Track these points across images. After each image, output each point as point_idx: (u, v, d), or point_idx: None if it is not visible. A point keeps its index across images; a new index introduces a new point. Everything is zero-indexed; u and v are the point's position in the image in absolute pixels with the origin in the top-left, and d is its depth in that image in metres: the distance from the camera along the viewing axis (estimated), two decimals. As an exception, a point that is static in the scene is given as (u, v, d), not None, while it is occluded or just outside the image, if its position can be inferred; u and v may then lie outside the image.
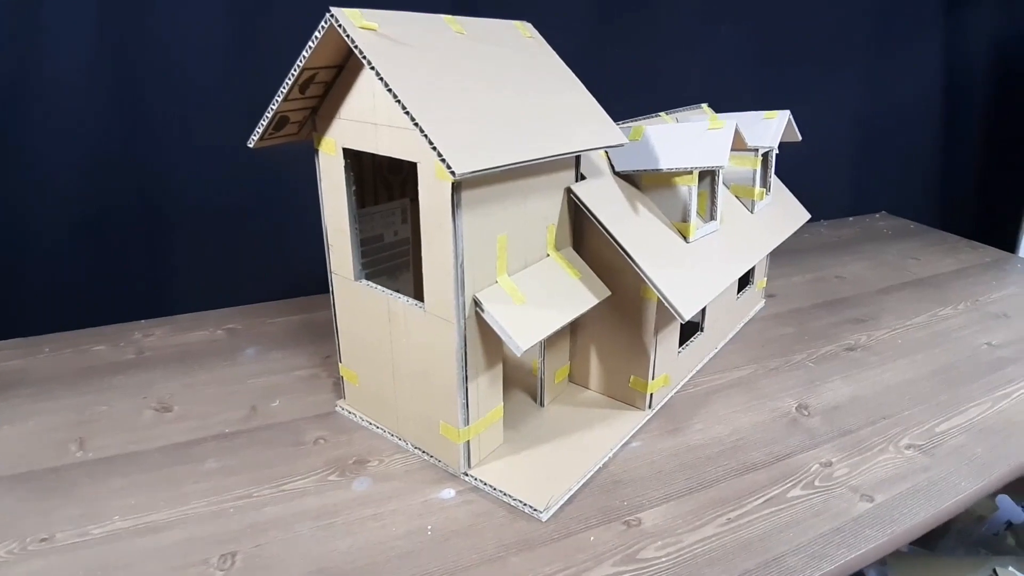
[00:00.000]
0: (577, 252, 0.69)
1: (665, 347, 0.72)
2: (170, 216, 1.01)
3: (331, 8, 0.50)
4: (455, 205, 0.52)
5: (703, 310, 0.81)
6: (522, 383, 0.77)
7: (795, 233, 0.93)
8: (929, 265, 1.19)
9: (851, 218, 1.47)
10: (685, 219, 0.71)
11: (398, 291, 0.62)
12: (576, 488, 0.61)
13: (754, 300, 0.99)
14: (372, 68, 0.48)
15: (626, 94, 1.19)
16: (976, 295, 1.06)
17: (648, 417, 0.72)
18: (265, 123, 0.59)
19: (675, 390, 0.78)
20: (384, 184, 0.74)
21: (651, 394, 0.72)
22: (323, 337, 0.90)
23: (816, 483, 0.62)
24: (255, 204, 1.05)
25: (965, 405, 0.75)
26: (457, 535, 0.56)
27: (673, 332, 0.73)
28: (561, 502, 0.59)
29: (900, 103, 1.49)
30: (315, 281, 0.68)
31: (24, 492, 0.61)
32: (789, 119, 0.84)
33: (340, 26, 0.49)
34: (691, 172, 0.69)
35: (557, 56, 0.68)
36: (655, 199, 0.73)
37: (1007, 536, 0.97)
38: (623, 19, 1.19)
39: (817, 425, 0.72)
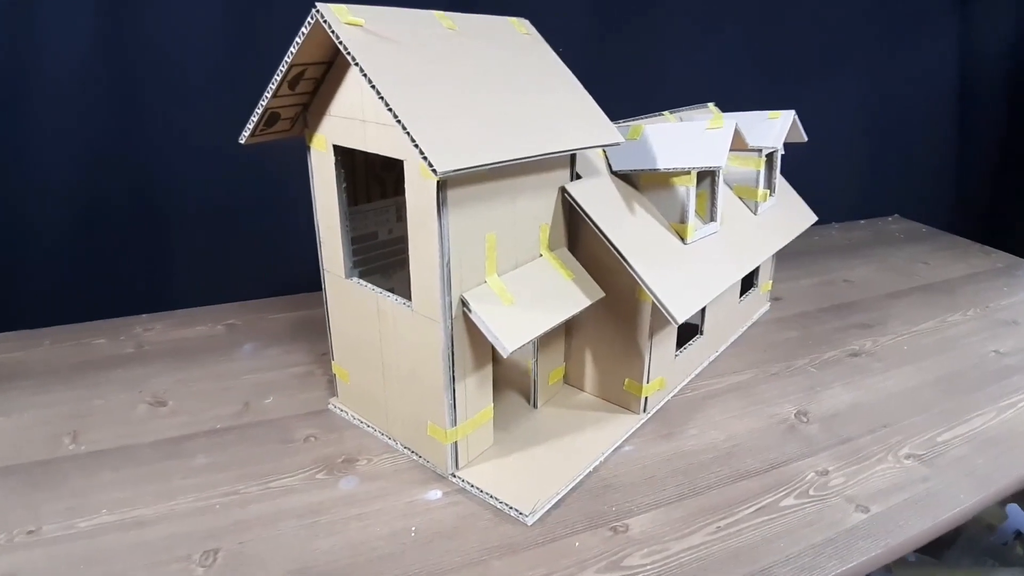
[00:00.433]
0: (572, 253, 0.68)
1: (661, 350, 0.71)
2: (172, 212, 1.02)
3: (316, 4, 0.49)
4: (440, 203, 0.51)
5: (702, 313, 0.79)
6: (517, 384, 0.76)
7: (804, 235, 0.91)
8: (939, 270, 1.16)
9: (862, 221, 1.44)
10: (683, 220, 0.70)
11: (392, 290, 0.61)
12: (564, 492, 0.60)
13: (758, 303, 0.98)
14: (356, 64, 0.48)
15: (630, 93, 1.17)
16: (986, 301, 1.03)
17: (642, 421, 0.71)
18: (255, 119, 0.58)
19: (672, 394, 0.76)
20: (378, 181, 0.73)
21: (646, 398, 0.71)
22: (321, 334, 0.89)
23: (811, 492, 0.61)
24: (257, 200, 1.05)
25: (969, 414, 0.73)
26: (441, 537, 0.55)
27: (670, 335, 0.72)
28: (548, 506, 0.58)
29: (913, 104, 1.46)
30: (316, 278, 0.68)
31: (15, 484, 0.61)
32: (794, 119, 0.82)
33: (325, 22, 0.49)
34: (689, 172, 0.67)
35: (554, 54, 0.67)
36: (653, 199, 0.71)
37: (1016, 546, 0.94)
38: (627, 18, 1.17)
39: (815, 432, 0.70)
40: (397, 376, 0.63)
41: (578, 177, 0.67)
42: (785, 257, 1.21)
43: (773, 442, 0.68)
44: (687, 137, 0.69)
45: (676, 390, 0.77)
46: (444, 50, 0.56)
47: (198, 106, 0.97)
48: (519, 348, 0.55)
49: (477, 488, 0.60)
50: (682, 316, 0.62)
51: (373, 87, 0.47)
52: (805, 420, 0.72)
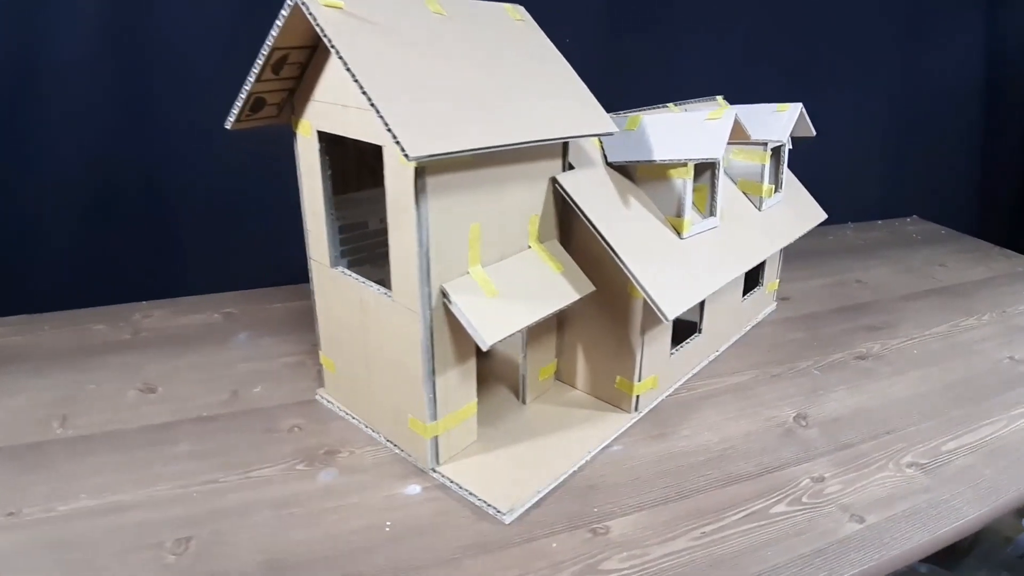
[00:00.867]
0: (564, 245, 0.66)
1: (654, 348, 0.69)
2: (176, 201, 1.02)
3: (295, -16, 0.48)
4: (419, 191, 0.50)
5: (701, 311, 0.77)
6: (506, 379, 0.75)
7: (817, 235, 0.88)
8: (957, 273, 1.11)
9: (880, 221, 1.40)
10: (679, 214, 0.68)
11: (381, 281, 0.60)
12: (545, 491, 0.58)
13: (763, 302, 0.95)
14: (332, 46, 0.46)
15: (643, 87, 1.15)
16: (1003, 306, 0.98)
17: (634, 420, 0.69)
18: (240, 104, 0.58)
19: (666, 393, 0.74)
20: (369, 169, 0.72)
21: (637, 396, 0.69)
22: (315, 324, 0.89)
23: (804, 499, 0.58)
24: (261, 190, 1.05)
25: (978, 423, 0.69)
26: (415, 533, 0.54)
27: (664, 333, 0.70)
28: (527, 505, 0.57)
29: (935, 101, 1.40)
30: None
31: (2, 466, 0.62)
32: (801, 112, 0.79)
33: (303, 4, 0.48)
34: (686, 164, 0.65)
35: (548, 41, 0.66)
36: (649, 192, 0.69)
37: (1032, 561, 0.91)
38: (640, 10, 1.15)
39: (814, 437, 0.68)
40: (379, 367, 0.62)
41: (571, 167, 0.65)
42: (796, 256, 1.18)
43: (768, 446, 0.66)
44: (685, 128, 0.66)
45: (671, 390, 0.75)
46: (429, 35, 0.55)
47: (204, 96, 0.97)
48: (499, 342, 0.54)
49: (456, 484, 0.58)
50: (672, 313, 0.60)
51: (348, 69, 0.46)
52: (804, 424, 0.70)
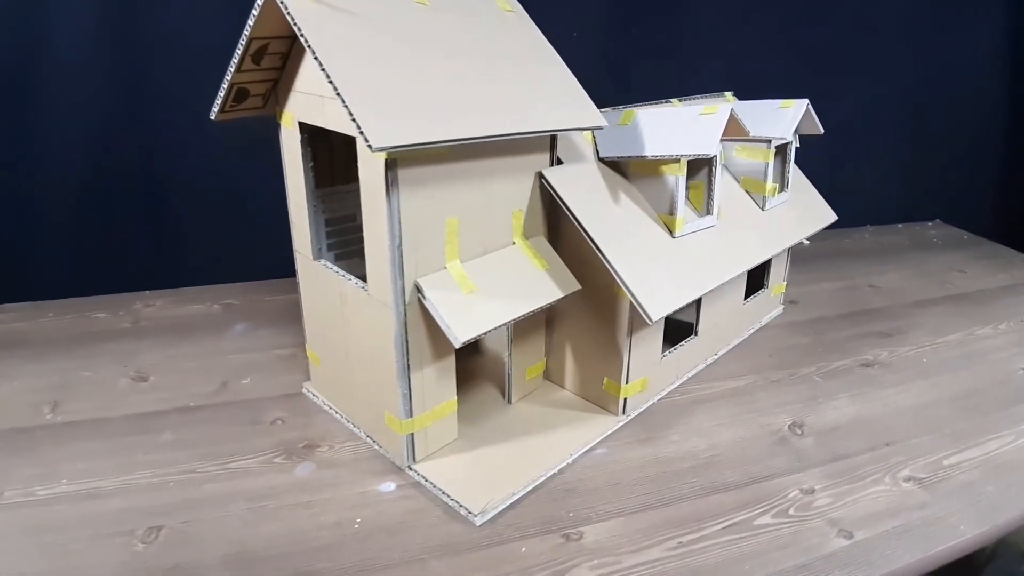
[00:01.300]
0: (553, 242, 0.65)
1: (644, 349, 0.67)
2: (180, 191, 1.03)
3: (268, -28, 0.48)
4: (390, 183, 0.49)
5: (697, 312, 0.75)
6: (496, 377, 0.73)
7: (833, 237, 0.85)
8: (976, 279, 1.06)
9: (900, 225, 1.34)
10: (671, 212, 0.65)
11: (365, 275, 0.59)
12: (521, 493, 0.57)
13: (769, 305, 0.92)
14: (301, 35, 0.46)
15: (653, 82, 1.13)
16: (1023, 315, 0.94)
17: (621, 423, 0.67)
18: (222, 95, 0.58)
19: (658, 396, 0.72)
20: (357, 162, 0.72)
21: (625, 399, 0.67)
22: (310, 317, 0.89)
23: (791, 512, 0.56)
24: (265, 180, 1.05)
25: (984, 437, 0.66)
26: (384, 531, 0.53)
27: (654, 334, 0.68)
28: (501, 507, 0.55)
29: (961, 101, 1.34)
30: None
31: (-10, 449, 0.63)
32: (807, 109, 0.76)
33: (276, -9, 0.47)
34: (678, 160, 0.63)
35: (539, 33, 0.64)
36: (642, 189, 0.67)
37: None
38: (651, 3, 1.12)
39: (808, 447, 0.65)
40: (359, 362, 0.61)
41: (559, 162, 0.63)
42: (807, 259, 1.14)
43: (759, 454, 0.63)
44: (679, 123, 0.64)
45: (664, 393, 0.73)
46: (410, 25, 0.54)
47: (208, 85, 0.98)
48: (473, 339, 0.52)
49: (431, 483, 0.57)
50: (657, 314, 0.58)
51: (316, 58, 0.45)
52: (799, 432, 0.67)
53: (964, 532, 0.54)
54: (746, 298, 0.85)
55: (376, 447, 0.63)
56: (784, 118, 0.75)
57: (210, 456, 0.62)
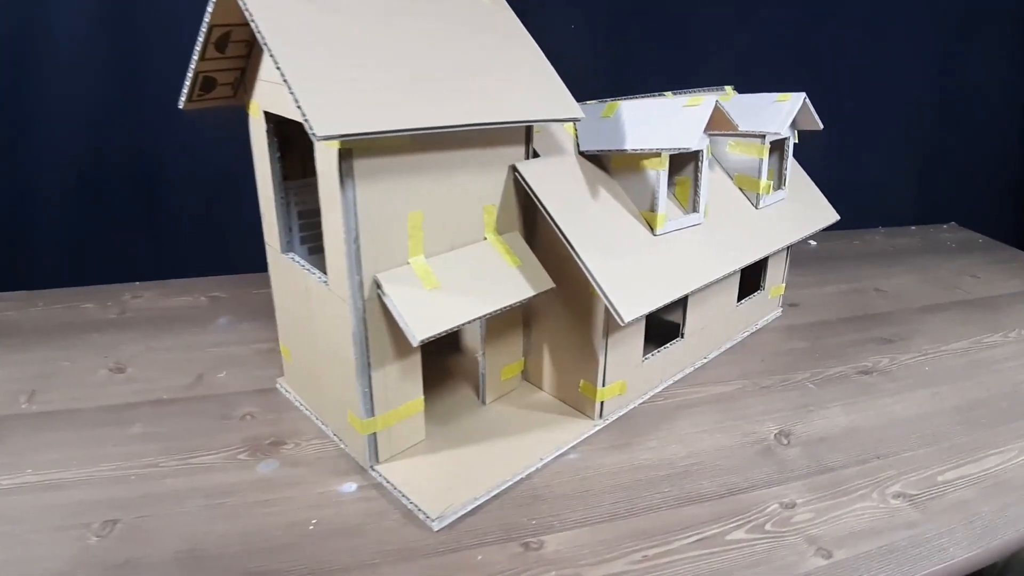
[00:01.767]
0: (529, 238, 0.63)
1: (622, 351, 0.64)
2: (174, 183, 1.03)
3: (219, -46, 0.46)
4: (344, 174, 0.47)
5: (684, 314, 0.72)
6: (473, 377, 0.71)
7: (842, 238, 0.81)
8: (989, 285, 1.01)
9: (914, 227, 1.29)
10: (653, 208, 0.63)
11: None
12: (484, 498, 0.55)
13: (766, 308, 0.88)
14: (251, 19, 0.44)
15: (657, 76, 1.09)
16: (1037, 323, 0.89)
17: (597, 428, 0.65)
18: (188, 84, 0.56)
19: (640, 400, 0.69)
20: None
21: (601, 402, 0.64)
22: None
23: (767, 527, 0.53)
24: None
25: (984, 452, 0.62)
26: (339, 534, 0.52)
27: (634, 335, 0.65)
28: (461, 512, 0.53)
29: (980, 99, 1.27)
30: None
31: (-41, 437, 0.63)
32: (804, 103, 0.72)
33: (227, -27, 0.46)
34: (660, 154, 0.60)
35: (517, 21, 0.61)
36: (623, 184, 0.65)
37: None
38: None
39: (794, 457, 0.62)
40: (324, 358, 0.59)
41: (536, 155, 0.61)
42: (813, 260, 1.10)
43: (740, 464, 0.61)
44: (661, 116, 0.61)
45: (646, 397, 0.70)
46: (376, 10, 0.52)
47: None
48: (431, 338, 0.50)
49: (392, 485, 0.56)
50: (630, 315, 0.56)
51: (264, 43, 0.43)
52: (786, 442, 0.64)
53: (953, 555, 0.50)
54: (740, 300, 0.81)
55: (343, 446, 0.61)
56: (780, 112, 0.72)
57: (175, 450, 0.61)
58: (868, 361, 0.79)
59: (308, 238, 0.66)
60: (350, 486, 0.57)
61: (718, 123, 0.63)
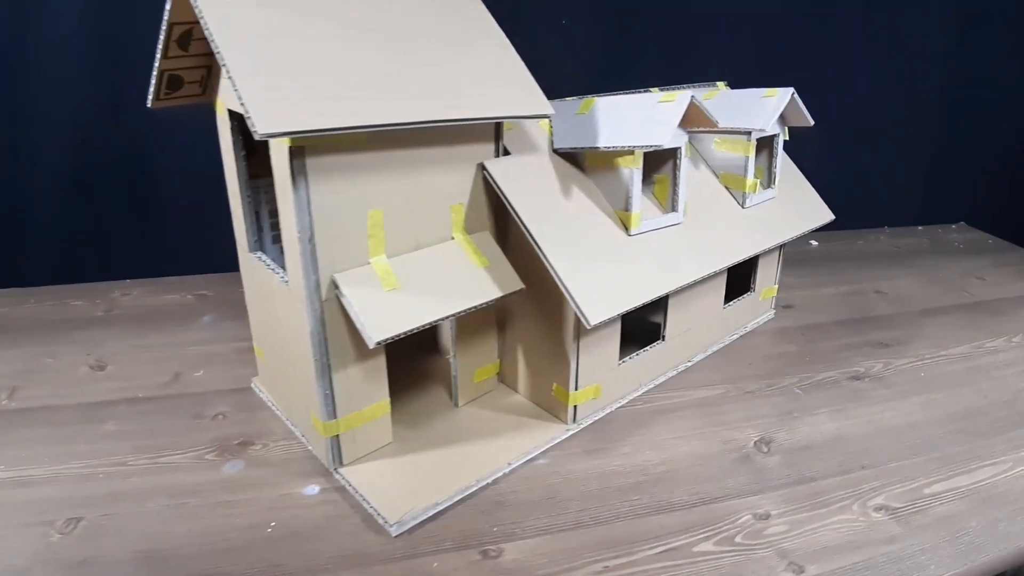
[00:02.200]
0: (501, 238, 0.61)
1: (596, 354, 0.62)
2: (166, 181, 1.03)
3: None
4: (296, 172, 0.46)
5: (664, 316, 0.70)
6: (449, 380, 0.70)
7: (845, 239, 0.79)
8: (995, 287, 0.97)
9: (921, 227, 1.25)
10: (627, 208, 0.61)
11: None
12: (446, 504, 0.54)
13: (756, 310, 0.85)
14: (201, 16, 0.43)
15: (656, 71, 1.07)
16: (1043, 327, 0.85)
17: (570, 432, 0.63)
18: (153, 82, 0.56)
19: (617, 404, 0.68)
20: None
21: (574, 406, 0.63)
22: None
23: (738, 539, 0.51)
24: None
25: (976, 463, 0.59)
26: (296, 537, 0.51)
27: (609, 337, 0.63)
28: (421, 517, 0.52)
29: (991, 95, 1.22)
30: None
31: (-64, 433, 0.63)
32: (793, 98, 0.70)
33: (177, -32, 0.45)
34: (632, 152, 0.58)
35: (487, 14, 0.60)
36: (598, 183, 0.63)
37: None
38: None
39: (773, 466, 0.59)
40: (290, 359, 0.59)
41: (506, 153, 0.60)
42: (812, 260, 1.07)
43: (715, 472, 0.58)
44: (636, 112, 0.60)
45: (624, 401, 0.68)
46: (336, 6, 0.51)
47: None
48: (389, 339, 0.49)
49: (354, 488, 0.55)
50: (596, 318, 0.54)
51: (211, 39, 0.43)
52: (766, 450, 0.62)
53: (934, 573, 0.48)
54: (728, 302, 0.79)
55: (310, 448, 0.61)
56: (766, 108, 0.69)
57: (144, 449, 0.61)
58: (861, 366, 0.76)
59: (279, 237, 0.66)
60: (313, 488, 0.56)
61: (696, 119, 0.61)
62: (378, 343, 0.49)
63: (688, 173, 0.72)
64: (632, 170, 0.59)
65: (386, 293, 0.52)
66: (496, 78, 0.56)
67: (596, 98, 0.64)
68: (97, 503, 0.54)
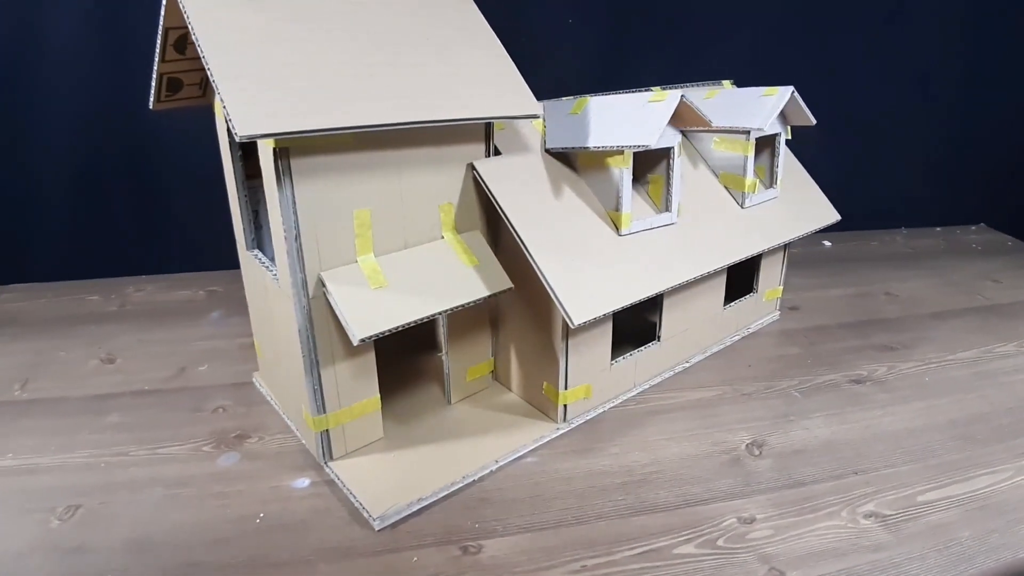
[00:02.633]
0: (493, 237, 0.62)
1: (586, 354, 0.62)
2: (182, 177, 1.05)
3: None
4: (281, 172, 0.47)
5: (659, 315, 0.69)
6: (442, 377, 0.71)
7: (859, 239, 0.77)
8: (1011, 291, 0.94)
9: (939, 228, 1.21)
10: (617, 208, 0.61)
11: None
12: (431, 500, 0.54)
13: (759, 311, 0.84)
14: (187, 20, 0.44)
15: (660, 69, 1.06)
16: (1057, 332, 0.82)
17: (561, 431, 0.63)
18: (154, 85, 0.58)
19: (610, 404, 0.68)
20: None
21: (564, 405, 0.63)
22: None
23: (720, 542, 0.51)
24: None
25: (974, 471, 0.57)
26: (283, 529, 0.52)
27: (600, 337, 0.63)
28: (405, 512, 0.53)
29: (1013, 92, 1.18)
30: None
31: (-46, 422, 0.66)
32: (793, 97, 0.69)
33: (168, -26, 0.46)
34: (622, 152, 0.58)
35: (478, 14, 0.60)
36: (590, 183, 0.63)
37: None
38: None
39: (763, 469, 0.59)
40: (283, 355, 0.60)
41: (497, 153, 0.60)
42: (824, 261, 1.05)
43: (703, 474, 0.58)
44: (626, 112, 0.59)
45: (618, 401, 0.68)
46: (323, 9, 0.52)
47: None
48: (373, 337, 0.50)
49: (342, 482, 0.56)
50: (580, 318, 0.54)
51: (197, 42, 0.44)
52: (757, 453, 0.61)
53: (919, 582, 0.47)
54: (729, 302, 0.78)
55: (304, 442, 0.62)
56: (764, 107, 0.68)
57: (144, 440, 0.63)
58: (863, 369, 0.74)
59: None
60: (303, 482, 0.57)
61: (689, 119, 0.60)
62: (362, 340, 0.50)
63: (686, 173, 0.71)
64: (622, 170, 0.59)
65: (372, 291, 0.52)
66: (484, 79, 0.56)
67: (589, 98, 0.64)
68: (96, 491, 0.56)
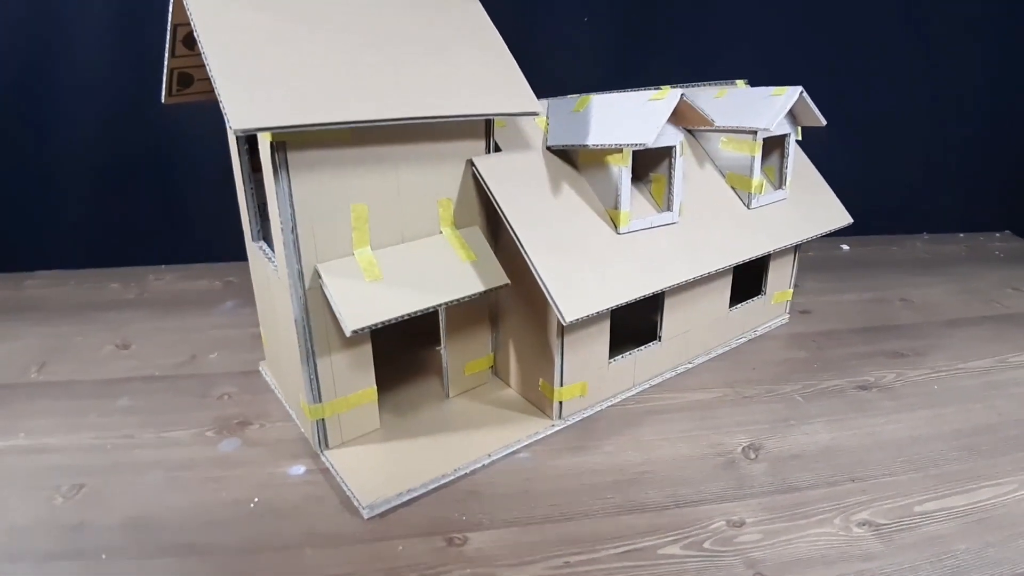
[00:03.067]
0: (494, 234, 0.62)
1: (582, 352, 0.62)
2: (198, 169, 1.07)
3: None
4: (278, 165, 0.48)
5: (660, 315, 0.69)
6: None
7: (879, 243, 0.76)
8: (1031, 298, 0.91)
9: (962, 234, 1.17)
10: (616, 206, 0.60)
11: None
12: (422, 491, 0.55)
13: (767, 314, 0.83)
14: (190, 16, 0.46)
15: (668, 65, 1.05)
16: (1076, 343, 0.79)
17: (556, 428, 0.63)
18: (165, 80, 0.59)
19: (608, 403, 0.67)
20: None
21: (560, 403, 0.63)
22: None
23: (706, 545, 0.50)
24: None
25: (976, 483, 0.56)
26: (275, 515, 0.53)
27: (597, 335, 0.63)
28: (394, 502, 0.54)
29: None
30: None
31: (-30, 401, 0.69)
32: (802, 96, 0.67)
33: (173, -28, 0.48)
34: (621, 150, 0.58)
35: (481, 11, 0.61)
36: (590, 181, 0.63)
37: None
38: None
39: (757, 473, 0.58)
40: (284, 344, 0.61)
41: (498, 149, 0.60)
42: (840, 265, 1.03)
43: (696, 476, 0.58)
44: (627, 110, 0.59)
45: (616, 400, 0.68)
46: (325, 6, 0.53)
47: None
48: (365, 328, 0.51)
49: (336, 470, 0.57)
50: (572, 316, 0.54)
51: (198, 38, 0.45)
52: (753, 457, 0.60)
53: (908, 594, 0.46)
54: (736, 304, 0.77)
55: (303, 430, 0.63)
56: (772, 107, 0.67)
57: (151, 424, 0.65)
58: (870, 376, 0.73)
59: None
60: (299, 469, 0.58)
61: (690, 118, 0.60)
62: (354, 331, 0.51)
63: (691, 173, 0.71)
64: (621, 168, 0.59)
65: (367, 283, 0.53)
66: (483, 76, 0.56)
67: (592, 95, 0.64)
68: (101, 472, 0.58)
